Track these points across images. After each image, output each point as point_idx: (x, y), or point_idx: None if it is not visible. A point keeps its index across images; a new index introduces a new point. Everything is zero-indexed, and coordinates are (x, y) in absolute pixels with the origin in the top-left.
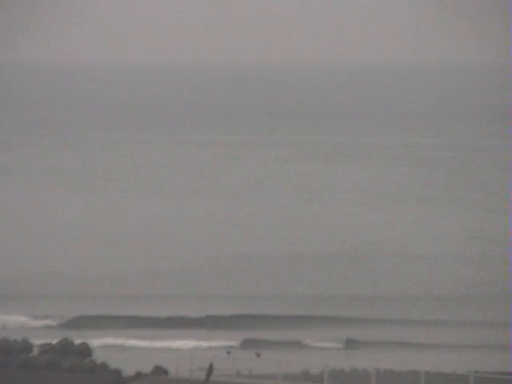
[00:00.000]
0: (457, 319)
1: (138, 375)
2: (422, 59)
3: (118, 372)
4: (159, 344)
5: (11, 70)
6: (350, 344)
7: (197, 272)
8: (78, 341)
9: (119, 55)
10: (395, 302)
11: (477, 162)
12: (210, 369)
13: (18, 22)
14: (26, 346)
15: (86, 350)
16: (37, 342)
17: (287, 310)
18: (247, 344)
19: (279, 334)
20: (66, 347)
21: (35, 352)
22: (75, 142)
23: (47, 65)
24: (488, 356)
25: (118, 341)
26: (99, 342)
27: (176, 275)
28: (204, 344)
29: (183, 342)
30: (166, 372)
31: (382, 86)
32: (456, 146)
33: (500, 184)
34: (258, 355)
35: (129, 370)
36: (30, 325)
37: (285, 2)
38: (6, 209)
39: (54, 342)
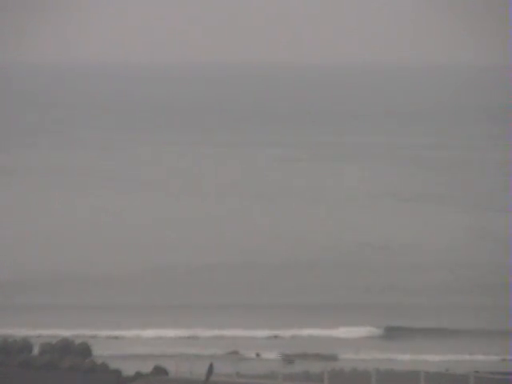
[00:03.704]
0: (457, 323)
1: (138, 375)
2: (421, 59)
3: (117, 372)
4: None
5: (11, 70)
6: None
7: (196, 279)
8: (78, 340)
9: (119, 55)
10: (399, 305)
11: (477, 162)
12: (210, 369)
13: (18, 21)
14: (26, 346)
15: (86, 350)
16: (37, 341)
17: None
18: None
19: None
20: (66, 347)
21: (35, 352)
22: (75, 141)
23: (47, 65)
24: (488, 364)
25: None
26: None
27: (174, 278)
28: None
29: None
30: (166, 372)
31: (382, 86)
32: (456, 146)
33: (500, 184)
34: (258, 355)
35: (129, 370)
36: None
37: (284, 1)
38: (6, 209)
39: (54, 341)
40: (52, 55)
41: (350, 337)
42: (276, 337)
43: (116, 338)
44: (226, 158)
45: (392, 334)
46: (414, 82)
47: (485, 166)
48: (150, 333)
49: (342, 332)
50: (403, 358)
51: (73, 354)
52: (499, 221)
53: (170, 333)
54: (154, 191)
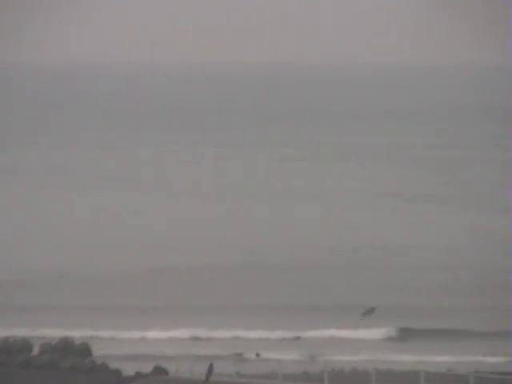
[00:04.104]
0: (457, 324)
1: (138, 375)
2: (421, 59)
3: (117, 372)
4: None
5: (11, 70)
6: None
7: (196, 279)
8: (78, 341)
9: (119, 55)
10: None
11: (477, 162)
12: (210, 369)
13: (18, 21)
14: (26, 346)
15: (86, 350)
16: (37, 341)
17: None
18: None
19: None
20: (65, 347)
21: (35, 352)
22: (75, 141)
23: (46, 65)
24: (488, 365)
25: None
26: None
27: (175, 278)
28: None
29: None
30: (166, 372)
31: (382, 86)
32: (456, 146)
33: (500, 184)
34: (258, 355)
35: (129, 370)
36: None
37: (284, 1)
38: (6, 209)
39: (54, 341)
40: (52, 55)
41: (350, 337)
42: (277, 338)
43: (116, 338)
44: (226, 158)
45: (392, 334)
46: (414, 82)
47: (485, 166)
48: (150, 333)
49: (342, 332)
50: (404, 358)
51: (73, 354)
52: (499, 221)
53: (170, 333)
54: (153, 191)
